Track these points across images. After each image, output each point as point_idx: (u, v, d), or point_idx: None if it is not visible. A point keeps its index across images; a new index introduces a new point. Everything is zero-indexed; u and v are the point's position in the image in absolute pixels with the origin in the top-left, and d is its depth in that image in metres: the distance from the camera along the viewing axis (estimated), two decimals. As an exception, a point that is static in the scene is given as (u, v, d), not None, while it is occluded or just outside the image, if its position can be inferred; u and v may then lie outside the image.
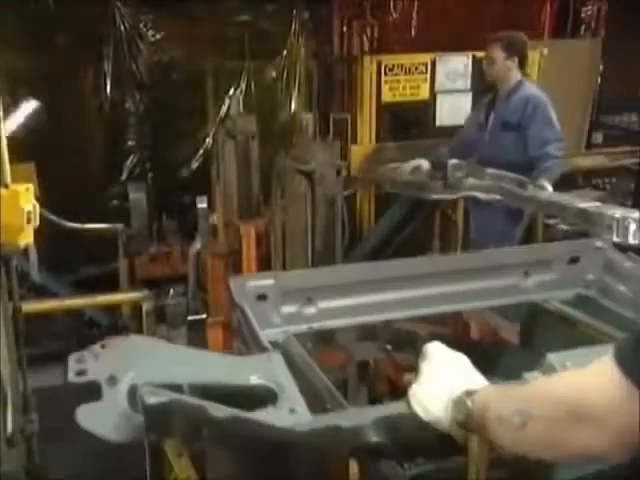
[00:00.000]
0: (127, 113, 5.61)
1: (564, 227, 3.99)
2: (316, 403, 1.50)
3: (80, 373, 1.41)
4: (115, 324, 4.51)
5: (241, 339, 1.87)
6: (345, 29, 5.81)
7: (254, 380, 1.48)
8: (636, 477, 1.14)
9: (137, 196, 5.06)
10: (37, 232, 2.03)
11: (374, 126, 5.21)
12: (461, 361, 1.29)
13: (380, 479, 1.39)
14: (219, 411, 1.29)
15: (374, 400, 2.26)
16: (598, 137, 6.52)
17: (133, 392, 1.34)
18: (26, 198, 1.98)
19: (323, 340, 2.45)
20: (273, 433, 1.33)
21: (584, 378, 1.02)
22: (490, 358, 2.28)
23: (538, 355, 1.50)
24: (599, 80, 6.40)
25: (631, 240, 2.69)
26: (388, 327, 2.50)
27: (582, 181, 5.90)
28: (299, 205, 3.20)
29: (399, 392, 1.69)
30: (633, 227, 2.73)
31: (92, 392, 1.38)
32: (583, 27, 6.62)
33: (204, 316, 3.94)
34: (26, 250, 2.85)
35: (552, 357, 1.46)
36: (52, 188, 4.15)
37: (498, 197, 3.54)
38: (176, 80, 5.65)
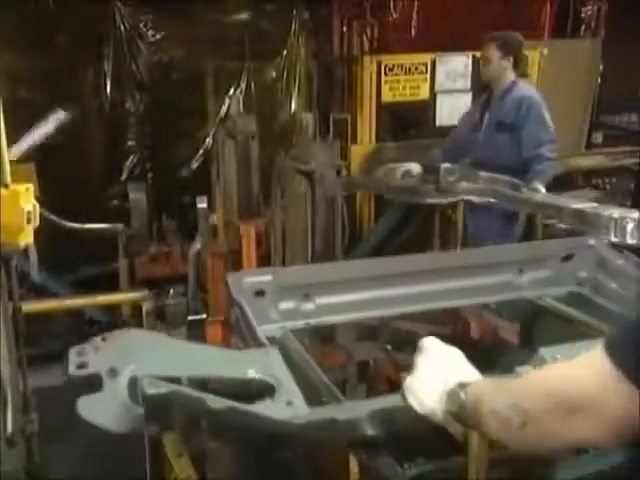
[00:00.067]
0: (127, 113, 5.61)
1: (563, 226, 3.99)
2: (313, 397, 1.51)
3: (81, 366, 1.43)
4: (115, 324, 4.51)
5: (239, 335, 1.88)
6: (345, 29, 5.81)
7: (252, 374, 1.50)
8: (636, 477, 1.15)
9: (137, 196, 5.05)
10: (37, 232, 2.03)
11: (374, 126, 5.21)
12: (455, 355, 1.31)
13: (380, 479, 1.40)
14: (217, 403, 1.31)
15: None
16: (598, 137, 6.52)
17: (133, 384, 1.35)
18: (26, 198, 1.97)
19: (323, 339, 2.46)
20: (270, 425, 1.34)
21: (575, 370, 1.03)
22: (486, 354, 2.30)
23: (532, 350, 1.51)
24: (599, 80, 6.40)
25: (629, 240, 2.70)
26: (388, 327, 2.51)
27: (582, 181, 5.90)
28: (299, 205, 3.20)
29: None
30: (631, 227, 2.73)
31: (92, 391, 1.38)
32: (583, 27, 6.62)
33: (204, 316, 3.94)
34: (26, 250, 2.85)
35: (544, 351, 1.48)
36: (52, 188, 4.15)
37: (492, 200, 3.55)
38: (176, 80, 5.65)
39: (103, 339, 1.53)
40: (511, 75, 4.03)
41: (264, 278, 2.06)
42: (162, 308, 4.20)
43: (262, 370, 1.51)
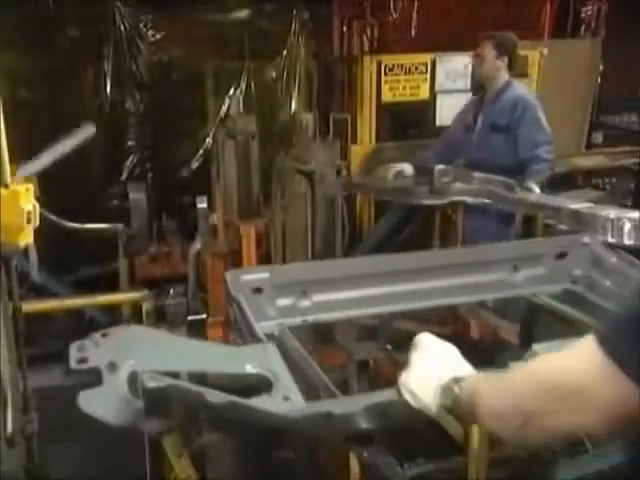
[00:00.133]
0: (127, 113, 5.61)
1: (564, 227, 4.00)
2: (310, 392, 1.53)
3: (81, 361, 1.45)
4: (115, 324, 4.50)
5: (237, 331, 1.90)
6: (345, 29, 5.80)
7: (249, 369, 1.52)
8: (636, 477, 1.15)
9: (137, 196, 5.05)
10: (37, 232, 2.03)
11: (374, 126, 5.21)
12: (450, 351, 1.33)
13: (380, 479, 1.40)
14: (216, 397, 1.33)
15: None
16: (598, 137, 6.51)
17: (133, 378, 1.38)
18: (26, 198, 1.98)
19: (323, 339, 2.46)
20: (267, 418, 1.36)
21: (567, 360, 1.04)
22: (483, 352, 2.31)
23: (526, 347, 1.52)
24: (599, 80, 6.40)
25: (626, 241, 2.70)
26: (388, 327, 2.51)
27: (582, 181, 5.90)
28: (299, 205, 3.20)
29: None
30: (628, 227, 2.74)
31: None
32: (583, 27, 6.62)
33: (204, 316, 3.94)
34: (26, 250, 2.85)
35: (537, 347, 1.50)
36: (52, 188, 4.15)
37: (487, 201, 3.56)
38: (176, 80, 5.65)
39: (103, 335, 1.55)
40: (505, 75, 4.00)
41: (261, 275, 2.08)
42: (162, 308, 4.19)
43: (260, 365, 1.53)
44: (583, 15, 6.60)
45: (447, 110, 5.29)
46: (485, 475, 1.37)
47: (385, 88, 5.16)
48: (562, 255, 2.38)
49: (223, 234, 3.93)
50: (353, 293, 2.18)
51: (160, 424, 2.49)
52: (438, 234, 3.92)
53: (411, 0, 5.94)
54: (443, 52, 5.28)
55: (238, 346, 1.85)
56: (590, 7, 6.59)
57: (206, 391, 1.35)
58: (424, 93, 5.27)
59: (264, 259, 3.60)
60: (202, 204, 4.19)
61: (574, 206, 3.07)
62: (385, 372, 2.36)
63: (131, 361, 1.41)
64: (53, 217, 3.92)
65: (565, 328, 2.17)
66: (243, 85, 5.74)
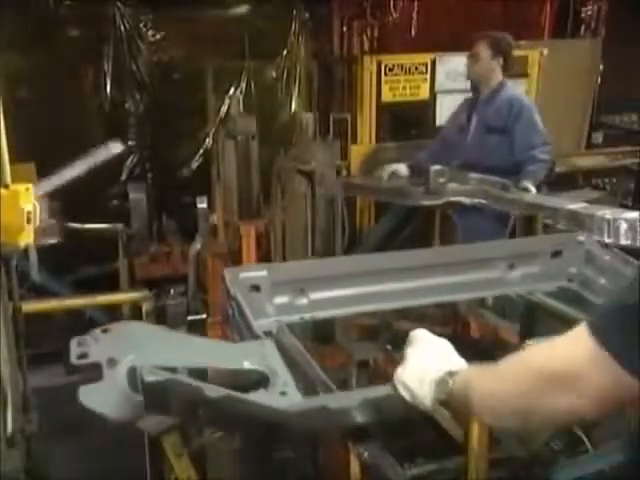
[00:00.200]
0: (127, 113, 5.61)
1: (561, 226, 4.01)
2: (307, 388, 1.54)
3: (82, 356, 1.46)
4: (115, 324, 4.50)
5: (235, 329, 1.90)
6: (345, 29, 5.80)
7: (247, 365, 1.54)
8: (636, 477, 1.15)
9: (137, 196, 5.05)
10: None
11: (374, 126, 5.21)
12: (444, 346, 1.35)
13: (380, 479, 1.40)
14: (214, 391, 1.35)
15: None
16: (598, 137, 6.51)
17: (132, 373, 1.39)
18: (26, 198, 1.98)
19: (323, 339, 2.47)
20: (265, 413, 1.38)
21: (560, 348, 1.06)
22: (480, 348, 2.33)
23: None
24: (599, 80, 6.40)
25: (622, 241, 2.71)
26: (388, 327, 2.51)
27: (582, 181, 5.90)
28: (299, 205, 3.20)
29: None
30: (624, 227, 2.74)
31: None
32: (583, 27, 6.62)
33: (204, 316, 3.94)
34: (26, 250, 2.85)
35: (531, 343, 1.52)
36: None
37: (483, 201, 3.56)
38: (176, 80, 5.65)
39: (103, 331, 1.56)
40: (499, 76, 3.99)
41: (259, 273, 2.09)
42: (162, 308, 4.19)
43: (258, 361, 1.54)
44: (583, 15, 6.60)
45: (447, 110, 5.26)
46: (485, 475, 1.38)
47: (385, 88, 5.16)
48: (557, 253, 2.39)
49: (223, 234, 3.93)
50: (350, 291, 2.20)
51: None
52: (438, 234, 3.92)
53: (411, 0, 5.94)
54: (443, 52, 5.27)
55: (236, 342, 1.86)
56: (590, 7, 6.59)
57: (204, 385, 1.37)
58: (424, 93, 5.27)
59: (264, 259, 3.60)
60: (202, 204, 4.20)
61: (570, 206, 3.08)
62: (385, 372, 2.36)
63: (130, 356, 1.43)
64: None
65: (560, 325, 2.18)
66: (243, 85, 5.74)
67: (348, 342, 2.49)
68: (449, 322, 2.57)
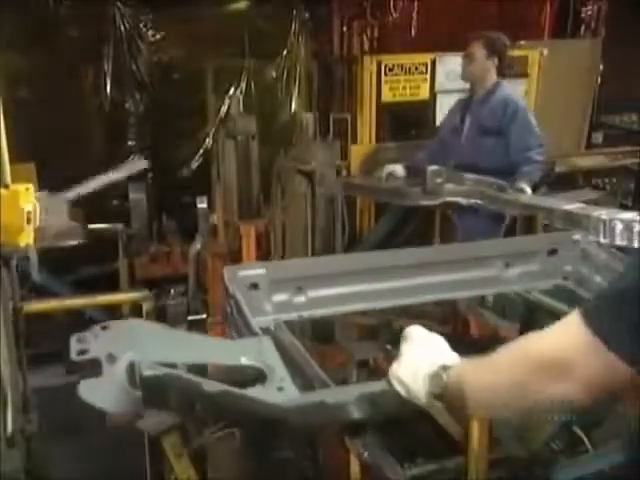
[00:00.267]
0: (127, 113, 5.61)
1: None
2: (304, 384, 1.56)
3: (81, 352, 1.47)
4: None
5: (234, 326, 1.91)
6: (345, 29, 5.81)
7: (244, 361, 1.55)
8: (636, 477, 1.15)
9: (137, 196, 5.05)
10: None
11: (374, 126, 5.21)
12: (438, 342, 1.37)
13: (380, 479, 1.40)
14: (212, 386, 1.37)
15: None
16: (598, 137, 6.51)
17: (131, 369, 1.41)
18: (26, 198, 1.98)
19: (323, 339, 2.47)
20: (262, 408, 1.39)
21: (552, 336, 1.08)
22: (476, 344, 2.34)
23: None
24: (599, 80, 6.40)
25: (618, 241, 2.72)
26: (388, 326, 2.52)
27: (582, 181, 5.90)
28: (299, 205, 3.21)
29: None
30: (620, 228, 2.75)
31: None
32: (583, 27, 6.62)
33: (204, 316, 3.94)
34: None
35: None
36: (52, 188, 4.15)
37: (479, 202, 3.56)
38: (176, 80, 5.66)
39: (103, 328, 1.57)
40: (494, 76, 3.97)
41: (258, 272, 2.10)
42: (162, 308, 4.20)
43: (255, 358, 1.56)
44: (583, 15, 6.61)
45: (447, 110, 5.29)
46: (485, 475, 1.38)
47: (385, 88, 5.16)
48: (553, 252, 2.40)
49: (223, 234, 3.93)
50: (347, 289, 2.21)
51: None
52: (438, 234, 3.92)
53: (411, 0, 5.95)
54: (443, 52, 5.27)
55: (235, 339, 1.88)
56: (590, 7, 6.59)
57: (202, 380, 1.38)
58: (424, 93, 5.27)
59: (264, 259, 3.60)
60: (202, 204, 4.20)
61: (566, 207, 3.09)
62: (384, 371, 2.37)
63: (130, 352, 1.44)
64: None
65: (554, 322, 2.19)
66: (243, 85, 5.75)
67: (348, 342, 2.49)
68: (448, 321, 2.57)
